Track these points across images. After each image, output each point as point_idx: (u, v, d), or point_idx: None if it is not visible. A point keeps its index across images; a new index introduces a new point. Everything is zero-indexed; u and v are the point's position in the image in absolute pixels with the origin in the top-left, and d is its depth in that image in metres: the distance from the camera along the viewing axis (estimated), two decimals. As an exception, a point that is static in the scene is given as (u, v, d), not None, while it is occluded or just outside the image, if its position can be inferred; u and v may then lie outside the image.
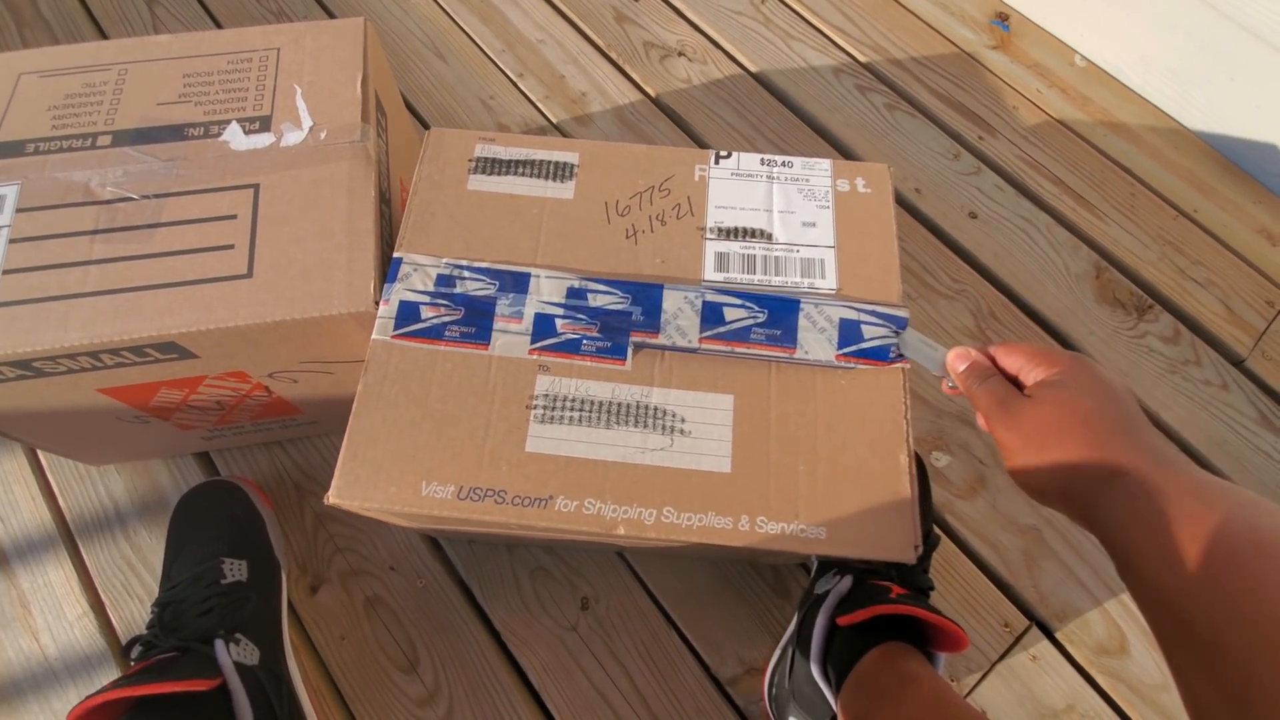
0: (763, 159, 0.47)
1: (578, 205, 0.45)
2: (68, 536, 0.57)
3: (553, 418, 0.39)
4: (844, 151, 0.78)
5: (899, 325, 0.41)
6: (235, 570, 0.50)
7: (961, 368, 0.37)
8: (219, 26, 0.83)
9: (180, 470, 0.60)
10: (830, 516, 0.37)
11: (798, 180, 0.46)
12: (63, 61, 0.50)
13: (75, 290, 0.41)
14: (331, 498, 0.37)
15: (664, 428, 0.39)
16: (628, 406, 0.39)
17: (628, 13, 0.86)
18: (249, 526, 0.53)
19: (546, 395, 0.40)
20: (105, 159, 0.45)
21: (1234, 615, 0.24)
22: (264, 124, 0.47)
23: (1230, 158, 0.79)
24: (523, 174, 0.46)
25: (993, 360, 0.36)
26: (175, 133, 0.46)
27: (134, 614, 0.55)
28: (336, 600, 0.56)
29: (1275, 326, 0.70)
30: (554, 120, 0.79)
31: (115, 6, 0.85)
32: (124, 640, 0.54)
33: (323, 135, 0.46)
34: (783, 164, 0.47)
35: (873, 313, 0.41)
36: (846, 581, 0.44)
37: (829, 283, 0.42)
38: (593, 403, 0.39)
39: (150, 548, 0.57)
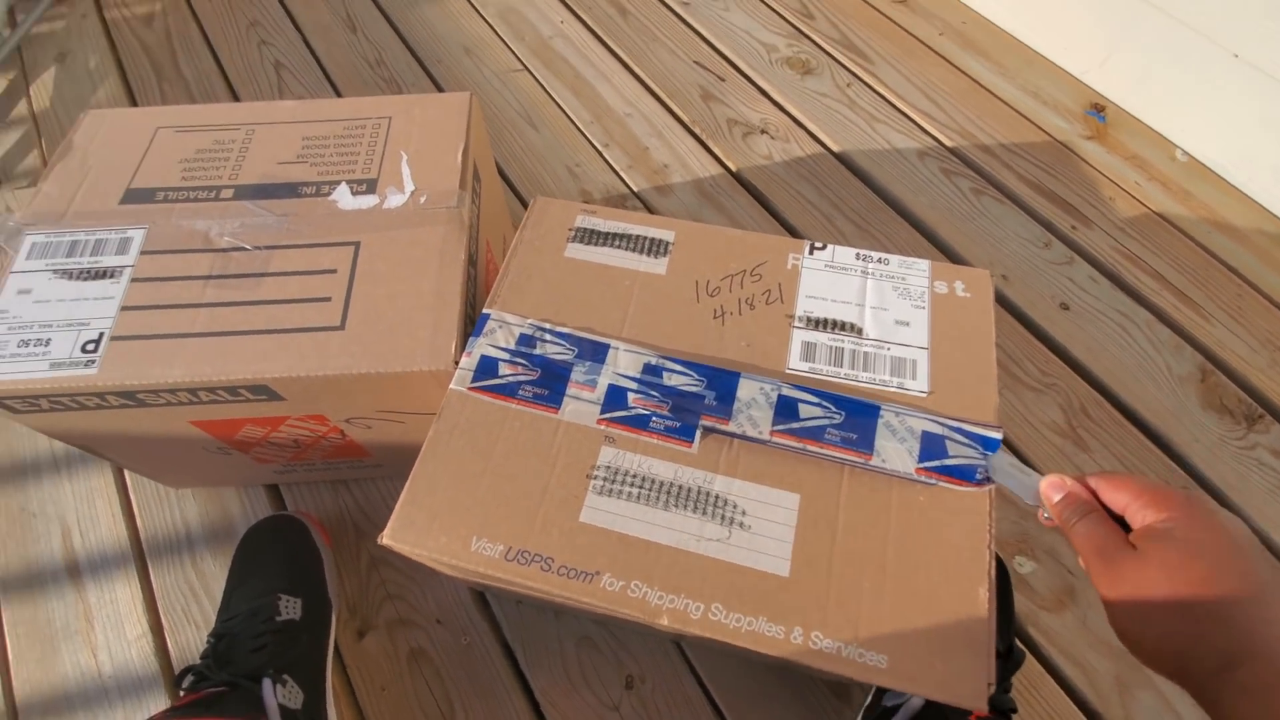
0: (858, 254, 0.46)
1: (669, 281, 0.45)
2: (139, 556, 0.60)
3: (611, 491, 0.38)
4: (927, 234, 0.76)
5: (990, 447, 0.38)
6: (290, 608, 0.50)
7: (1057, 498, 0.33)
8: (336, 90, 0.91)
9: (251, 501, 0.62)
10: (894, 644, 0.34)
11: (893, 278, 0.45)
12: (198, 119, 0.55)
13: (185, 330, 0.44)
14: (385, 538, 0.37)
15: (723, 518, 0.38)
16: (689, 490, 0.38)
17: (714, 91, 0.89)
18: (308, 564, 0.54)
19: (608, 467, 0.39)
20: (226, 210, 0.49)
21: None
22: (370, 186, 0.50)
23: (1355, 264, 0.73)
24: (619, 247, 0.47)
25: (1093, 492, 0.33)
26: (290, 190, 0.50)
27: (190, 639, 0.56)
28: (381, 649, 0.55)
29: None
30: (635, 189, 0.81)
31: (246, 68, 0.94)
32: (178, 665, 0.55)
33: (422, 200, 0.49)
34: (879, 260, 0.46)
35: (960, 430, 0.39)
36: (920, 699, 0.41)
37: (920, 385, 0.41)
38: (654, 481, 0.39)
39: (213, 575, 0.58)
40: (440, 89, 0.90)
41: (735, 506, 0.38)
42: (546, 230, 0.48)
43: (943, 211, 0.78)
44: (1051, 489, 0.33)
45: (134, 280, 0.46)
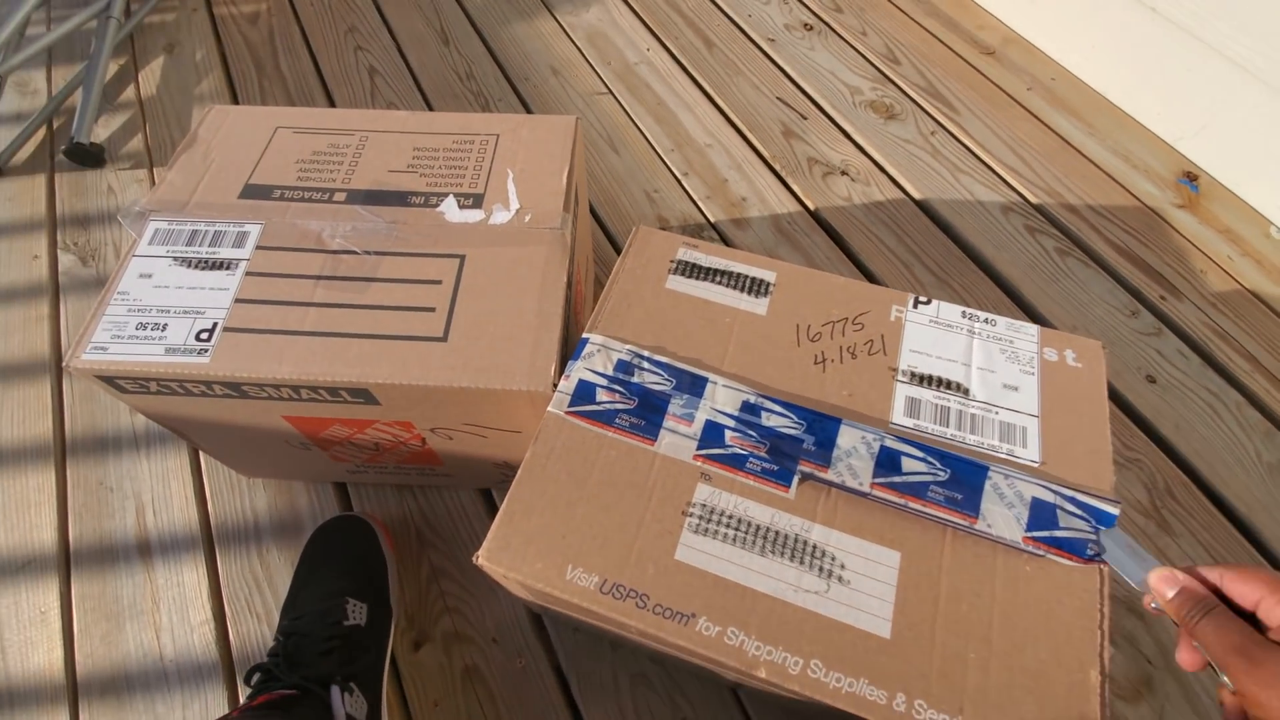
0: (964, 312, 0.45)
1: (769, 323, 0.45)
2: (208, 541, 0.61)
3: (707, 530, 0.38)
4: (1009, 291, 0.75)
5: (1105, 521, 0.37)
6: (357, 613, 0.50)
7: (1170, 594, 0.31)
8: (425, 98, 0.93)
9: (319, 497, 0.62)
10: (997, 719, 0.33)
11: (1000, 340, 0.44)
12: (315, 122, 0.56)
13: (295, 327, 0.45)
14: (481, 559, 0.37)
15: (821, 570, 0.37)
16: (786, 537, 0.38)
17: (795, 129, 0.89)
18: (375, 569, 0.54)
19: (704, 505, 0.39)
20: (338, 214, 0.50)
21: None
22: (477, 201, 0.51)
23: None
24: (720, 283, 0.47)
25: (1214, 587, 0.31)
26: (400, 198, 0.51)
27: (250, 631, 0.56)
28: (436, 662, 0.55)
29: None
30: (712, 220, 0.81)
31: (342, 71, 0.97)
32: (237, 656, 0.55)
33: (527, 218, 0.50)
34: (985, 320, 0.45)
35: (1073, 500, 0.38)
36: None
37: (1030, 453, 0.40)
38: (750, 524, 0.38)
39: (278, 568, 0.59)
40: (527, 107, 0.92)
41: (834, 559, 0.37)
42: (649, 260, 0.48)
43: (1025, 269, 0.76)
44: (1164, 583, 0.32)
45: (248, 274, 0.47)
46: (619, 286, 0.47)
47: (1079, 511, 0.38)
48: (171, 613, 0.58)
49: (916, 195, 0.83)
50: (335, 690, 0.44)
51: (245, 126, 0.56)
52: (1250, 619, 0.30)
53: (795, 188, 0.84)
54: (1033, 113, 0.90)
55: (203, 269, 0.47)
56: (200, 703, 0.53)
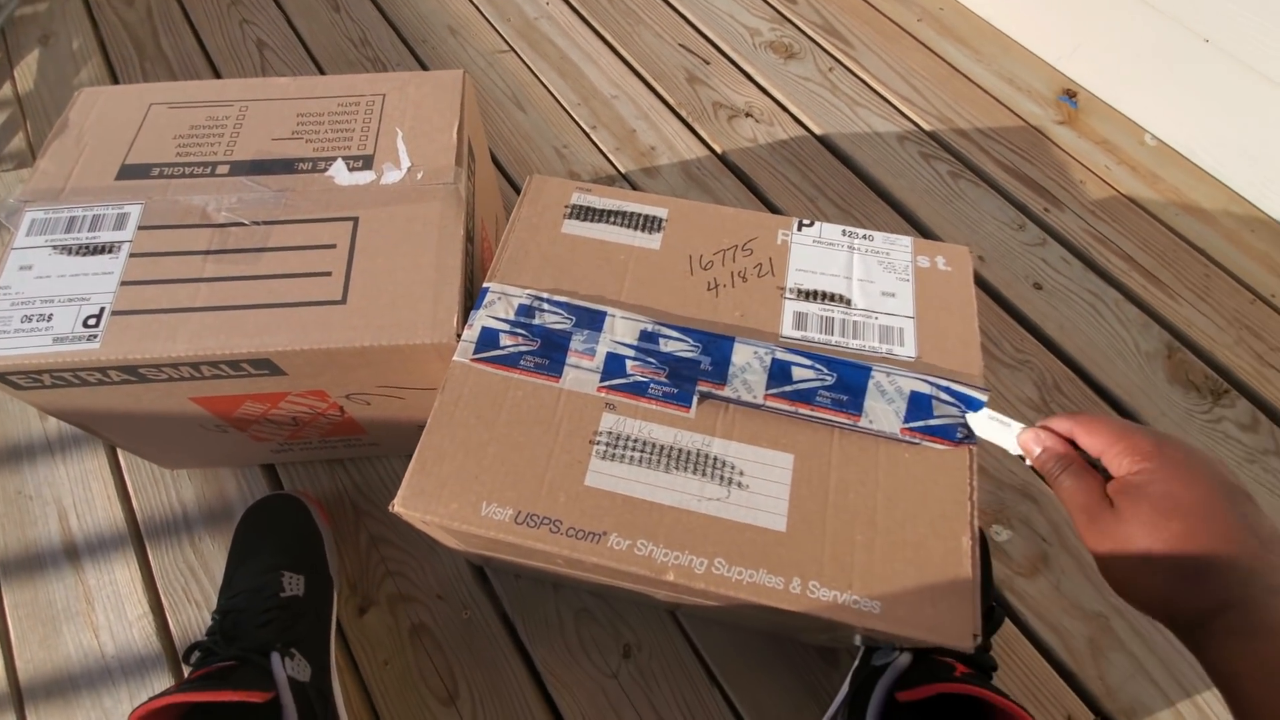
0: (844, 230, 0.48)
1: (663, 256, 0.47)
2: (137, 537, 0.60)
3: (614, 455, 0.40)
4: (907, 216, 0.79)
5: (975, 406, 0.40)
6: (293, 584, 0.51)
7: (1037, 451, 0.34)
8: (320, 69, 0.90)
9: (248, 481, 0.62)
10: (886, 592, 0.36)
11: (878, 253, 0.47)
12: (191, 95, 0.54)
13: (186, 305, 0.44)
14: (397, 506, 0.38)
15: (722, 479, 0.39)
16: (688, 454, 0.40)
17: (699, 74, 0.90)
18: (309, 542, 0.55)
19: (610, 433, 0.40)
20: (222, 186, 0.49)
21: None
22: (367, 162, 0.50)
23: (1311, 244, 0.77)
24: (614, 223, 0.48)
25: (1072, 441, 0.34)
26: (286, 166, 0.50)
27: (191, 619, 0.56)
28: (383, 624, 0.56)
29: (1362, 421, 0.67)
30: (623, 171, 0.82)
31: (229, 47, 0.92)
32: (179, 644, 0.55)
33: (419, 176, 0.49)
34: (864, 236, 0.48)
35: (947, 389, 0.41)
36: (906, 657, 0.43)
37: (908, 350, 0.43)
38: (654, 445, 0.40)
39: (212, 555, 0.59)
40: (426, 69, 0.90)
41: (733, 467, 0.39)
42: (543, 207, 0.49)
43: (921, 194, 0.80)
44: (1030, 442, 0.35)
45: (133, 255, 0.46)
46: (516, 235, 0.48)
47: (951, 399, 0.41)
48: (108, 610, 0.57)
49: (818, 131, 0.85)
50: (275, 656, 0.45)
51: (118, 107, 0.53)
52: (1102, 470, 0.32)
53: (702, 133, 0.85)
54: (923, 43, 0.93)
55: (84, 255, 0.46)
56: (147, 692, 0.54)
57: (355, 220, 0.48)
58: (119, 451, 0.64)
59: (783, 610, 0.36)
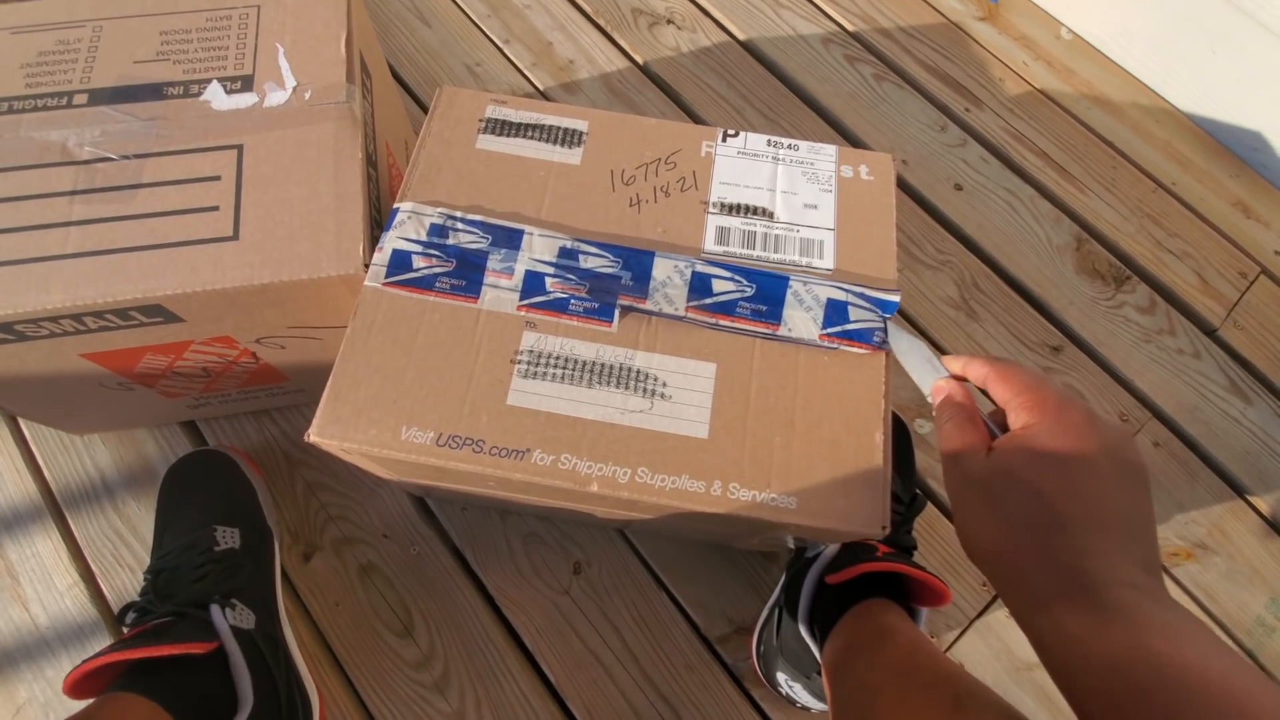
0: (769, 140, 0.47)
1: (584, 171, 0.45)
2: (54, 508, 0.57)
3: (536, 374, 0.39)
4: (832, 122, 0.78)
5: (888, 309, 0.41)
6: (228, 538, 0.50)
7: (938, 400, 0.33)
8: (192, -13, 0.80)
9: (167, 440, 0.59)
10: (802, 488, 0.37)
11: (802, 163, 0.46)
12: (34, 18, 0.48)
13: (55, 252, 0.40)
14: (312, 435, 0.37)
15: (645, 390, 0.39)
16: (611, 368, 0.40)
17: (615, -22, 0.85)
18: (240, 495, 0.53)
19: (531, 351, 0.40)
20: (82, 118, 0.44)
21: None
22: (246, 84, 0.46)
23: (1210, 132, 0.80)
24: (532, 138, 0.46)
25: (986, 389, 0.32)
26: (154, 91, 0.45)
27: (125, 583, 0.55)
28: (330, 568, 0.56)
29: (1247, 297, 0.72)
30: (541, 88, 0.78)
31: (82, -35, 0.81)
32: (116, 609, 0.54)
33: (307, 96, 0.46)
34: (789, 146, 0.47)
35: (861, 295, 0.41)
36: (835, 546, 0.45)
37: (826, 263, 0.43)
38: (576, 362, 0.40)
39: (140, 518, 0.57)
40: (315, -16, 0.82)
41: (656, 379, 0.39)
42: (456, 121, 0.46)
43: (847, 99, 0.79)
44: (936, 393, 0.34)
45: (-15, 202, 0.41)
46: (426, 151, 0.45)
47: (867, 305, 0.42)
48: (35, 583, 0.55)
49: (742, 37, 0.82)
50: (214, 608, 0.44)
51: (-61, 31, 0.46)
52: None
53: (622, 43, 0.81)
54: (846, -63, 0.90)
55: (-75, 204, 0.41)
56: (86, 657, 0.52)
57: (240, 148, 0.44)
58: (20, 421, 0.60)
59: (707, 513, 0.37)
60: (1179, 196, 0.76)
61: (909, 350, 0.39)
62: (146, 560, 0.55)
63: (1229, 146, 0.80)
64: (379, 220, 0.46)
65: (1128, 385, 0.68)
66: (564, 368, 0.39)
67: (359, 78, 0.48)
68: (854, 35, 0.83)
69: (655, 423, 0.38)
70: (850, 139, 0.77)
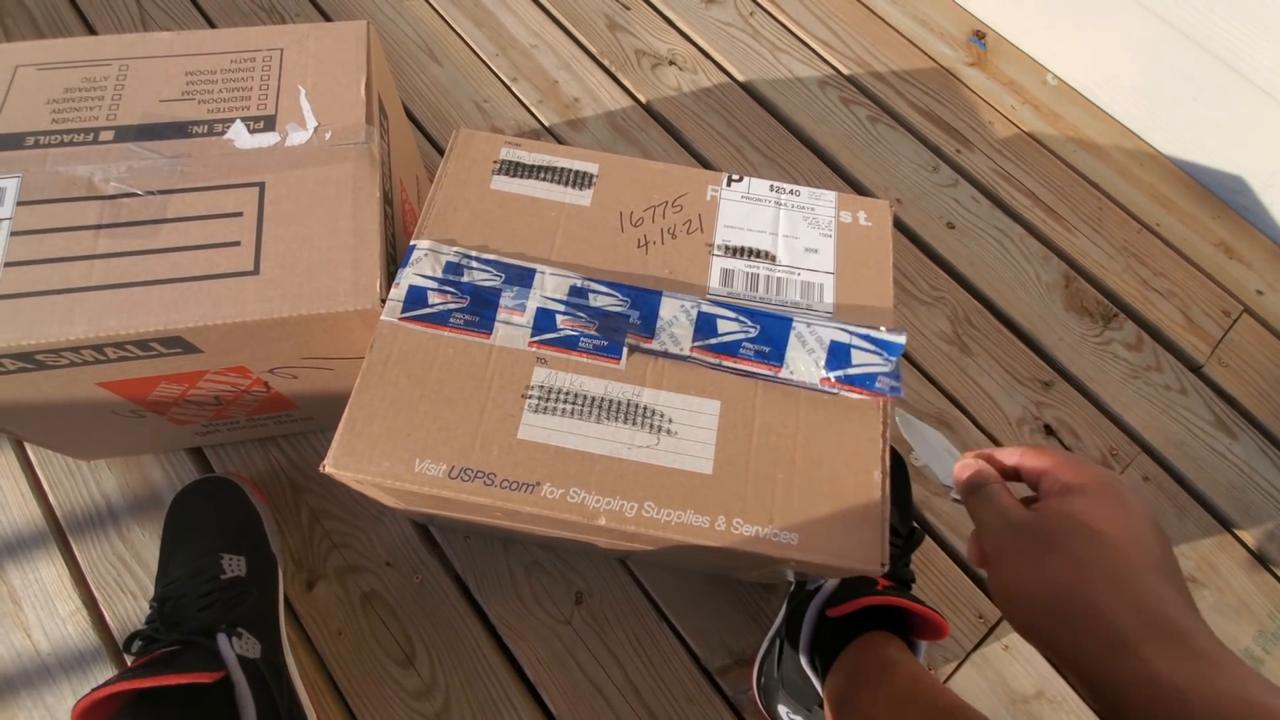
0: (772, 185, 0.49)
1: (594, 213, 0.47)
2: (58, 533, 0.57)
3: (546, 408, 0.40)
4: (829, 162, 0.80)
5: (894, 352, 0.43)
6: (234, 565, 0.50)
7: (966, 475, 0.32)
8: (209, 21, 0.83)
9: (174, 466, 0.60)
10: (803, 524, 0.38)
11: (803, 208, 0.48)
12: (61, 55, 0.50)
13: (80, 284, 0.42)
14: (327, 466, 0.38)
15: (651, 426, 0.40)
16: (619, 404, 0.41)
17: (620, 20, 0.88)
18: (246, 522, 0.54)
19: (542, 387, 0.41)
20: (108, 154, 0.45)
21: None
22: (268, 123, 0.47)
23: (1193, 175, 0.84)
24: (544, 179, 0.48)
25: (1014, 467, 0.32)
26: (179, 130, 0.47)
27: (128, 610, 0.55)
28: (333, 596, 0.56)
29: (1231, 335, 0.75)
30: (547, 124, 0.80)
31: (102, -2, 0.84)
32: (119, 636, 0.54)
33: (327, 136, 0.47)
34: (790, 192, 0.49)
35: (865, 337, 0.43)
36: (835, 580, 0.46)
37: (826, 306, 0.44)
38: (586, 397, 0.41)
39: (144, 544, 0.57)
40: (327, 18, 0.84)
41: (662, 415, 0.41)
42: (471, 163, 0.48)
43: (843, 140, 0.82)
44: (963, 469, 0.33)
45: (13, 234, 0.42)
46: (443, 191, 0.47)
47: (870, 348, 0.43)
48: (37, 609, 0.55)
49: (741, 78, 0.85)
50: (221, 636, 0.45)
51: (-30, 68, 0.48)
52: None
53: (626, 83, 0.84)
54: (841, -15, 0.93)
55: (-47, 236, 0.42)
56: (90, 686, 0.52)
57: (261, 185, 0.45)
58: (27, 446, 0.60)
59: (711, 548, 0.38)
60: (1163, 237, 0.79)
61: (925, 439, 0.39)
62: (150, 587, 0.55)
63: (1211, 189, 0.83)
64: (394, 256, 0.47)
65: (1117, 420, 0.69)
66: (573, 403, 0.41)
67: (377, 119, 0.50)
68: (849, 78, 0.86)
69: (661, 458, 0.39)
70: (846, 178, 0.79)
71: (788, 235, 0.47)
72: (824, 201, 0.49)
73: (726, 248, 0.46)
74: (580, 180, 0.48)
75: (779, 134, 0.82)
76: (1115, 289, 0.76)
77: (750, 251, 0.46)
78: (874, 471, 0.40)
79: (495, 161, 0.48)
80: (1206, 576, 0.64)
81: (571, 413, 0.40)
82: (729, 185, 0.49)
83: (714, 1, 0.91)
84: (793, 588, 0.55)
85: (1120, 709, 0.23)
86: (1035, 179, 0.81)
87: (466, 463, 0.39)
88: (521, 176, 0.48)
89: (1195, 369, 0.73)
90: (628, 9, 0.89)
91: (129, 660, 0.49)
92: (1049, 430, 0.68)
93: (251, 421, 0.58)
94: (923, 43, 0.90)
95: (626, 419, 0.40)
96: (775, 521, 0.38)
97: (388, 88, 0.56)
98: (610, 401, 0.41)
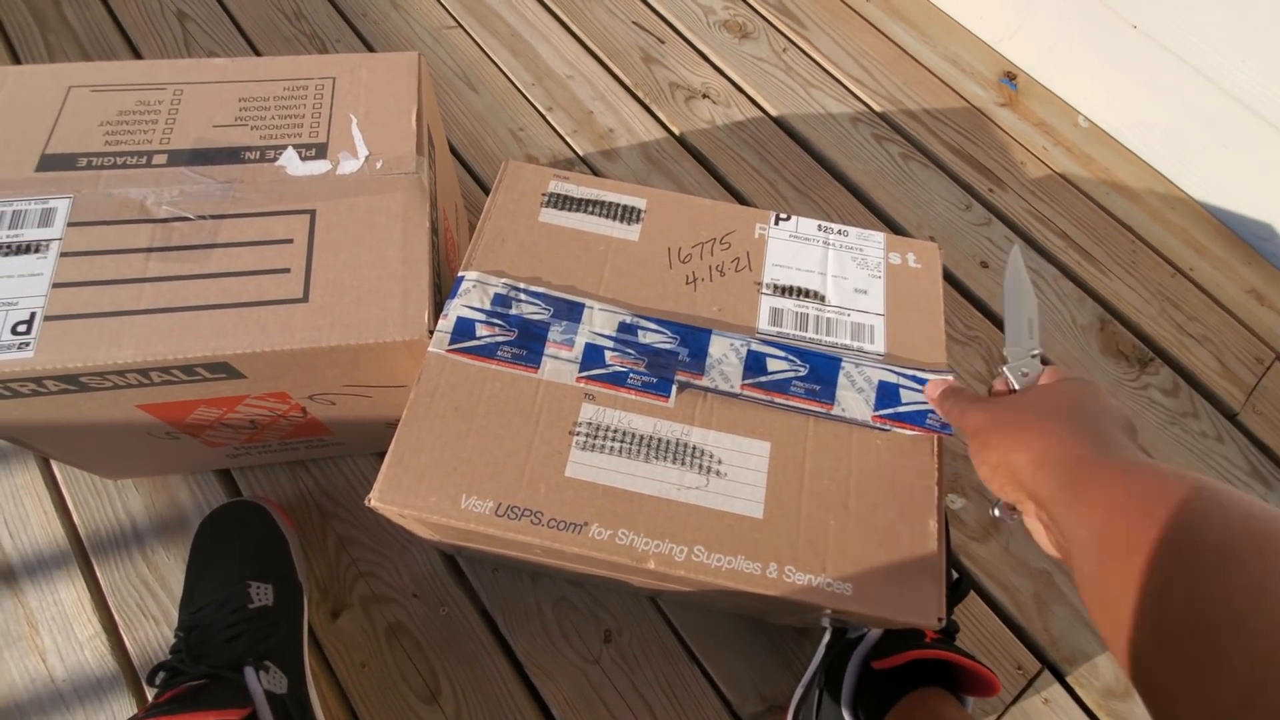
0: (820, 225, 0.49)
1: (642, 248, 0.46)
2: (81, 554, 0.56)
3: (594, 446, 0.40)
4: (862, 198, 0.80)
5: None
6: (261, 594, 0.49)
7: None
8: (250, 43, 0.84)
9: (201, 488, 0.59)
10: (857, 574, 0.37)
11: (852, 249, 0.48)
12: (115, 78, 0.50)
13: (129, 307, 0.41)
14: (374, 500, 0.37)
15: (701, 467, 0.40)
16: (667, 443, 0.40)
17: (654, 53, 0.89)
18: (274, 549, 0.53)
19: (590, 424, 0.40)
20: (161, 178, 0.46)
21: (1235, 617, 0.20)
22: (320, 151, 0.48)
23: (1223, 221, 0.83)
24: (592, 213, 0.47)
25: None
26: (231, 155, 0.47)
27: (149, 635, 0.54)
28: (358, 626, 0.55)
29: (1264, 382, 0.74)
30: (581, 154, 0.81)
31: (145, 19, 0.85)
32: (138, 663, 0.52)
33: (378, 165, 0.47)
34: (838, 232, 0.48)
35: (913, 377, 0.42)
36: (878, 629, 0.45)
37: (877, 347, 0.44)
38: (634, 435, 0.40)
39: (168, 567, 0.56)
40: (369, 46, 0.86)
41: (712, 456, 0.40)
42: (520, 194, 0.48)
43: (875, 176, 0.82)
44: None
45: (64, 255, 0.42)
46: (492, 223, 0.47)
47: (918, 387, 0.43)
48: (54, 633, 0.54)
49: (774, 113, 0.86)
50: (249, 670, 0.44)
51: (31, 89, 0.48)
52: None
53: (660, 114, 0.84)
54: (872, 24, 0.95)
55: (6, 255, 0.42)
56: (105, 715, 0.51)
57: (312, 213, 0.45)
58: (53, 463, 0.59)
59: (761, 595, 0.37)
60: (1196, 282, 0.79)
61: (1019, 295, 0.42)
62: (172, 612, 0.54)
63: (1241, 235, 0.82)
64: (440, 285, 0.47)
65: (1154, 467, 0.68)
66: (622, 441, 0.40)
67: (427, 149, 0.50)
68: (881, 115, 0.87)
69: (711, 500, 0.39)
70: (880, 215, 0.79)
71: (837, 275, 0.47)
72: (873, 242, 0.49)
73: (775, 286, 0.46)
74: (629, 215, 0.48)
75: (812, 169, 0.82)
76: (1151, 333, 0.75)
77: (799, 291, 0.46)
78: (929, 520, 0.39)
79: (544, 194, 0.48)
80: (1248, 632, 0.62)
81: (620, 451, 0.40)
82: (777, 224, 0.49)
83: (747, 36, 0.92)
84: (829, 634, 0.53)
85: (1109, 474, 0.27)
86: (1068, 220, 0.81)
87: (514, 500, 0.38)
88: (570, 210, 0.48)
89: (1230, 416, 0.72)
90: (662, 42, 0.90)
91: (147, 691, 0.48)
92: (1086, 476, 0.67)
93: (283, 445, 0.57)
94: (954, 82, 0.90)
95: (675, 459, 0.40)
96: (828, 570, 0.37)
97: (434, 117, 0.56)
98: (659, 440, 0.40)
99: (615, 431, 0.40)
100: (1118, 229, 0.81)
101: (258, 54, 0.84)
